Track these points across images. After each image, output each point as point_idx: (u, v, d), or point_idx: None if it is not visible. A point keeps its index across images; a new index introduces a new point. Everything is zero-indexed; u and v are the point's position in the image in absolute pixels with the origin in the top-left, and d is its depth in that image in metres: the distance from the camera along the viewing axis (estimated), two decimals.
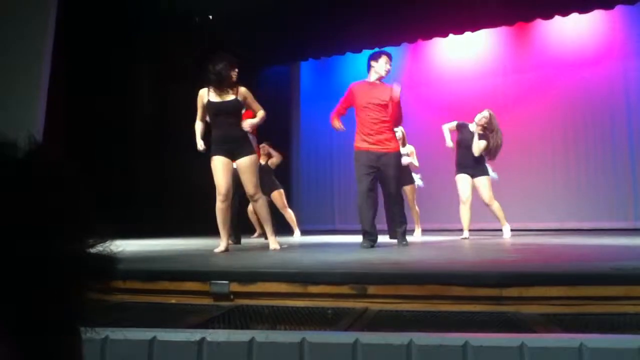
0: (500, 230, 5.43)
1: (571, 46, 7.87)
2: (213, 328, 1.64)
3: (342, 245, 4.51)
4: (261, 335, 1.34)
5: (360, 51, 8.39)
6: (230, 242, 4.16)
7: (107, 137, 6.38)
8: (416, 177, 6.30)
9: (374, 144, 3.97)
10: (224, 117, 3.74)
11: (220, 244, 3.75)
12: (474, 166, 5.27)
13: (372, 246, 3.89)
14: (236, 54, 3.98)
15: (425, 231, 6.44)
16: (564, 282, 1.86)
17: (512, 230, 5.42)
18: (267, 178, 6.57)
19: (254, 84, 9.13)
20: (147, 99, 7.45)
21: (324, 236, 6.59)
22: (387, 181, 3.99)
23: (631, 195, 7.34)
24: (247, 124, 3.81)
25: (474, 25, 7.51)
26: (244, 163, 3.75)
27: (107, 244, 0.33)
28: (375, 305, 1.95)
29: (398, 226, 4.12)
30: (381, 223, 4.18)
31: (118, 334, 1.34)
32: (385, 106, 3.99)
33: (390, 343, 1.27)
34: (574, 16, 7.20)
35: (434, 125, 5.81)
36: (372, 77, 4.10)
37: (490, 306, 1.87)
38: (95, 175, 0.34)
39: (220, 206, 3.73)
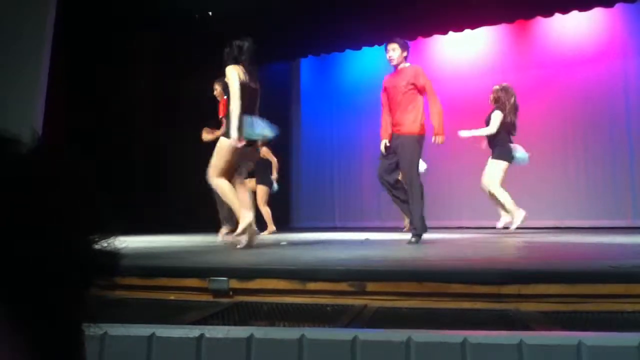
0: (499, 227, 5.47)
1: (571, 44, 7.86)
2: (212, 324, 1.64)
3: (342, 243, 4.51)
4: (260, 332, 1.34)
5: (359, 48, 8.38)
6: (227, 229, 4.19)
7: (107, 134, 6.37)
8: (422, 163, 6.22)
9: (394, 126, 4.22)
10: None
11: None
12: (492, 148, 5.57)
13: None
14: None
15: (428, 229, 6.42)
16: (562, 280, 1.86)
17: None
18: (262, 169, 6.51)
19: None
20: (148, 96, 7.43)
21: (324, 233, 6.59)
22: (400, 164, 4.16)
23: (630, 194, 7.34)
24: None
25: (474, 22, 7.49)
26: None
27: (111, 240, 0.33)
28: (374, 302, 1.95)
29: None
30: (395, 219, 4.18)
31: (117, 329, 1.34)
32: (403, 91, 4.28)
33: (389, 340, 1.27)
34: (574, 14, 7.19)
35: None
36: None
37: (489, 304, 1.88)
38: (94, 171, 0.34)
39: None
